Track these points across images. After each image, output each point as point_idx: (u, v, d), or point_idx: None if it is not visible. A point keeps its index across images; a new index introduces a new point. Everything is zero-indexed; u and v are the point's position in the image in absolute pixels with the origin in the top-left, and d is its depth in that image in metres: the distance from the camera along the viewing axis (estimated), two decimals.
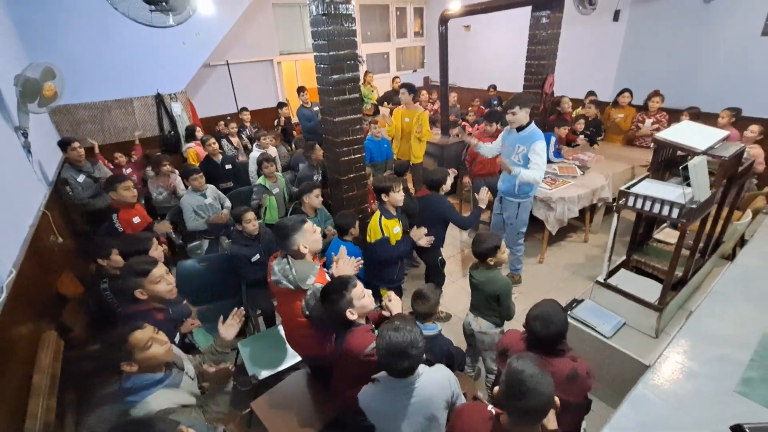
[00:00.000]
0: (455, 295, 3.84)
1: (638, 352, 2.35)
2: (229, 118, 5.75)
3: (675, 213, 2.14)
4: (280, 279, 2.03)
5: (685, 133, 2.40)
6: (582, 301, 2.75)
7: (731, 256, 3.15)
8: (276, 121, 6.60)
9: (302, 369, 2.57)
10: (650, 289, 2.54)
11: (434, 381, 1.63)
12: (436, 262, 3.32)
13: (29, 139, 3.15)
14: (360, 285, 1.91)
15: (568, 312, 2.64)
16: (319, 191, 3.35)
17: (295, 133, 6.76)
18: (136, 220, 3.30)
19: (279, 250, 2.17)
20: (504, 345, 1.93)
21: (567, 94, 5.69)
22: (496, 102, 7.27)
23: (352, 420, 1.97)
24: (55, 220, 3.07)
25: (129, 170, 4.73)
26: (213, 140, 4.64)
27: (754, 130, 3.97)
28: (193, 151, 4.96)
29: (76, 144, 3.97)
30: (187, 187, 3.97)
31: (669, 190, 2.29)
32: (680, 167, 2.31)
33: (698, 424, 1.69)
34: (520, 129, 3.33)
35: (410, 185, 5.17)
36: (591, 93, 5.72)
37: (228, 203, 4.02)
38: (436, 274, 3.39)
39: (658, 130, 4.77)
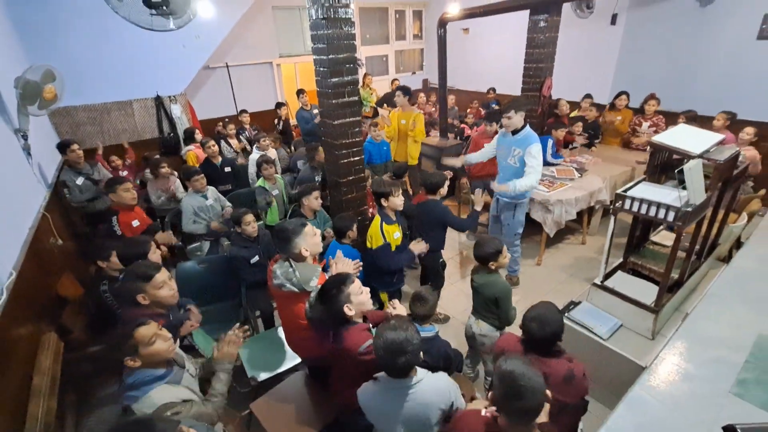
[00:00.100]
0: (454, 297, 3.86)
1: (635, 354, 2.37)
2: (227, 120, 5.76)
3: (671, 216, 2.16)
4: (283, 282, 2.04)
5: (681, 137, 2.41)
6: (579, 303, 2.77)
7: (727, 259, 3.17)
8: (276, 120, 6.62)
9: (301, 371, 2.58)
10: (647, 291, 2.56)
11: (434, 387, 1.65)
12: (437, 265, 3.35)
13: (29, 141, 3.16)
14: (358, 282, 1.93)
15: (566, 314, 2.66)
16: (318, 193, 3.37)
17: (294, 135, 6.78)
18: (136, 222, 3.31)
19: (278, 253, 2.18)
20: (500, 348, 1.94)
21: (565, 96, 5.73)
22: (494, 105, 7.30)
23: (351, 420, 1.98)
24: (54, 222, 3.08)
25: (125, 173, 4.74)
26: (212, 142, 4.65)
27: (749, 132, 4.02)
28: (193, 154, 4.97)
29: (75, 146, 3.98)
30: (186, 189, 3.98)
31: (665, 194, 2.31)
32: (676, 170, 2.33)
33: (694, 426, 1.71)
34: (515, 132, 3.39)
35: (408, 187, 5.20)
36: (588, 96, 5.76)
37: (228, 205, 4.03)
38: (436, 277, 3.41)
39: (655, 133, 4.81)
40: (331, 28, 2.72)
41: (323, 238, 2.74)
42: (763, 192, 3.94)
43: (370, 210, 3.61)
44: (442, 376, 1.72)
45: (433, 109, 7.32)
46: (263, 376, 2.57)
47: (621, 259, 2.95)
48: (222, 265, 3.30)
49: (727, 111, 4.32)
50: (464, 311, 3.59)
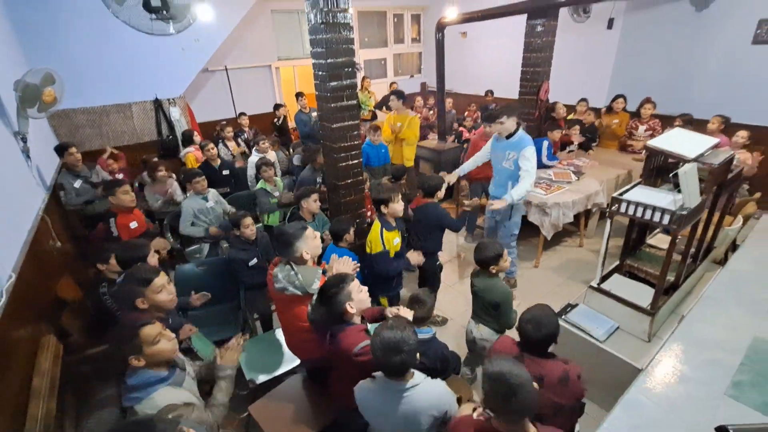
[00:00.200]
0: (452, 299, 3.87)
1: (631, 356, 2.38)
2: (224, 122, 5.76)
3: (666, 219, 2.18)
4: (285, 286, 2.05)
5: (676, 141, 2.44)
6: (576, 305, 2.79)
7: (723, 261, 3.19)
8: (275, 120, 6.63)
9: (300, 373, 2.59)
10: (643, 294, 2.57)
11: (430, 393, 1.66)
12: (434, 267, 3.37)
13: (28, 144, 3.17)
14: (357, 281, 1.95)
15: (563, 317, 2.68)
16: (317, 196, 3.38)
17: (292, 138, 6.80)
18: (133, 224, 3.31)
19: (277, 256, 2.19)
20: (497, 350, 1.96)
21: (562, 100, 5.75)
22: (492, 108, 7.33)
23: (350, 419, 1.99)
24: (53, 225, 3.09)
25: (120, 176, 4.73)
26: (212, 145, 4.66)
27: (742, 136, 4.07)
28: (192, 156, 4.98)
29: (73, 149, 3.98)
30: (185, 191, 3.98)
31: (660, 197, 2.33)
32: (671, 174, 2.36)
33: (690, 428, 1.72)
34: (509, 136, 3.46)
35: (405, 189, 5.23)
36: (583, 100, 5.79)
37: (228, 207, 4.03)
38: (433, 279, 3.42)
39: (651, 136, 4.85)
40: (330, 33, 2.75)
41: (321, 240, 2.75)
42: (758, 195, 3.97)
43: (369, 213, 3.62)
44: (439, 383, 1.74)
45: (431, 112, 7.35)
46: (262, 378, 2.58)
47: (618, 262, 2.97)
48: (221, 268, 3.31)
49: (722, 115, 4.37)
50: (462, 313, 3.60)
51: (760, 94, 4.89)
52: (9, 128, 3.05)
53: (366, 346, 1.71)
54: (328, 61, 2.82)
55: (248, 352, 2.79)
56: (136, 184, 4.81)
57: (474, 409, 1.51)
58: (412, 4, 9.01)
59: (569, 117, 5.68)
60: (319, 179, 4.24)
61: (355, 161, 3.23)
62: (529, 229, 4.28)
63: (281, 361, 2.69)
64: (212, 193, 3.91)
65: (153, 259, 2.52)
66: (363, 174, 3.36)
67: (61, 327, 2.51)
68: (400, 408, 1.61)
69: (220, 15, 5.53)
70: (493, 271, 2.51)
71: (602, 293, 2.68)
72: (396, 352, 1.53)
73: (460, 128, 6.90)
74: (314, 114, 5.88)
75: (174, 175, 4.53)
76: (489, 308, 2.52)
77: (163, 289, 2.02)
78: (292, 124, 6.92)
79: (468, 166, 3.93)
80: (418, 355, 1.61)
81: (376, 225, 2.91)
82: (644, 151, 3.30)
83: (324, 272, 2.37)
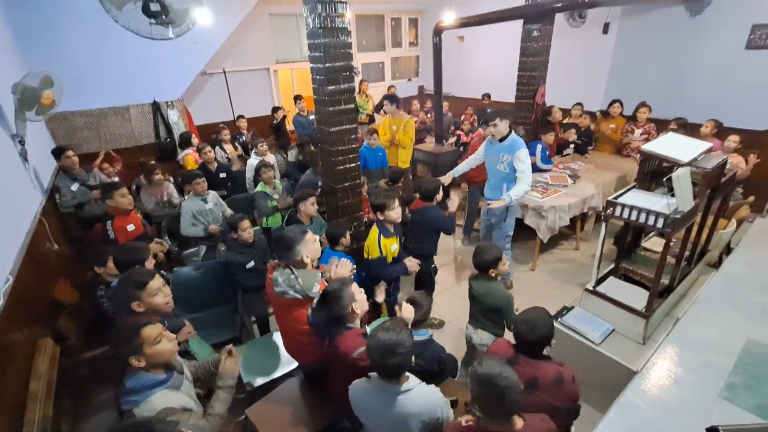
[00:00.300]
0: (449, 302, 3.89)
1: (626, 359, 2.40)
2: (221, 125, 5.77)
3: (660, 223, 2.20)
4: (286, 290, 2.05)
5: (671, 145, 2.47)
6: (572, 308, 2.81)
7: (717, 264, 3.22)
8: (273, 122, 6.64)
9: (297, 376, 2.59)
10: (638, 297, 2.59)
11: (425, 398, 1.67)
12: (429, 270, 3.38)
13: (26, 147, 3.17)
14: (355, 284, 1.98)
15: (559, 319, 2.69)
16: (314, 199, 3.39)
17: (291, 140, 6.80)
18: (130, 227, 3.30)
19: (275, 259, 2.20)
20: (492, 353, 1.97)
21: (558, 104, 5.79)
22: (489, 111, 7.37)
23: (348, 420, 2.00)
24: (51, 228, 3.08)
25: (116, 179, 4.73)
26: (209, 148, 4.67)
27: (734, 140, 4.12)
28: (191, 158, 4.97)
29: (70, 152, 3.98)
30: (183, 193, 3.97)
31: (654, 201, 2.36)
32: (665, 178, 2.38)
33: (684, 430, 1.74)
34: (502, 139, 3.52)
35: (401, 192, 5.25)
36: (578, 104, 5.82)
37: (229, 211, 4.03)
38: (429, 282, 3.44)
39: (647, 140, 4.88)
40: (328, 37, 2.77)
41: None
42: (752, 198, 4.01)
43: (366, 216, 3.64)
44: (433, 389, 1.75)
45: (428, 115, 7.38)
46: (259, 381, 2.58)
47: (613, 265, 2.99)
48: (218, 271, 3.31)
49: (715, 119, 4.42)
50: (459, 316, 3.61)
51: (753, 98, 4.94)
52: (7, 131, 3.05)
53: (364, 352, 1.72)
54: (326, 65, 2.84)
55: (246, 355, 2.79)
56: (134, 187, 4.80)
57: (466, 411, 1.52)
58: (409, 8, 9.06)
59: (564, 121, 5.72)
60: (320, 182, 4.25)
61: (353, 164, 3.24)
62: (525, 233, 4.31)
63: (278, 364, 2.69)
64: (212, 195, 3.91)
65: (148, 263, 2.52)
66: (360, 177, 3.38)
67: (59, 330, 2.51)
68: (395, 410, 1.62)
69: (219, 18, 5.53)
70: (493, 275, 2.52)
71: (598, 296, 2.70)
72: (392, 354, 1.54)
73: (458, 131, 6.93)
74: (312, 117, 5.89)
75: (171, 178, 4.53)
76: (489, 312, 2.53)
77: (159, 292, 2.01)
78: (290, 126, 6.93)
79: (462, 167, 4.00)
80: (414, 357, 1.62)
81: (374, 231, 2.91)
82: (639, 155, 3.33)
83: (323, 275, 2.38)
